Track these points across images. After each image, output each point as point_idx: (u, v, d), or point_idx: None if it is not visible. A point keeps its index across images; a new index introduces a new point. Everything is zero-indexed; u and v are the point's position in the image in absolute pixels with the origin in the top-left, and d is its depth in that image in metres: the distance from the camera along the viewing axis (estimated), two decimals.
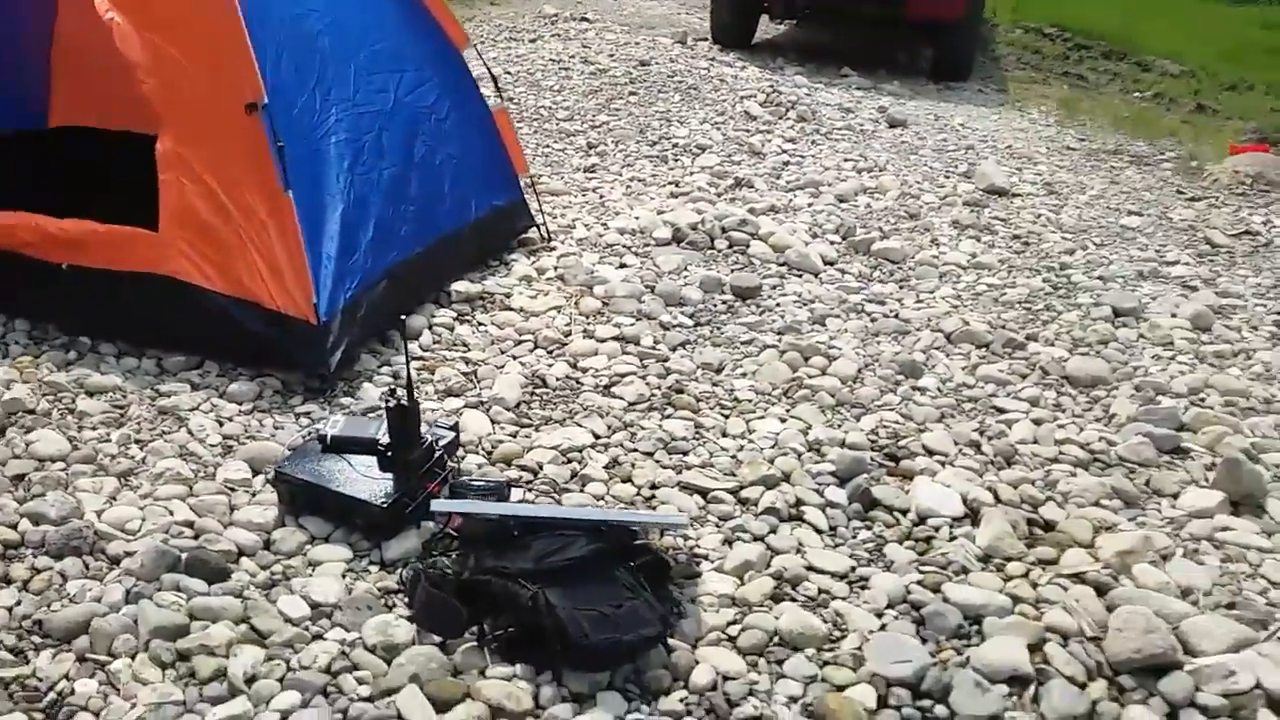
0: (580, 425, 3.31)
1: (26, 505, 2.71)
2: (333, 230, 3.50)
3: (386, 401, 2.66)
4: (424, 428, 2.82)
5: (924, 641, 2.51)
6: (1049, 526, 2.99)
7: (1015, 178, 6.21)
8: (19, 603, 2.43)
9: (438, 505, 2.63)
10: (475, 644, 2.37)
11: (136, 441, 3.07)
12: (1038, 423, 3.51)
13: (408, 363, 2.85)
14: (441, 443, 2.86)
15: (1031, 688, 2.39)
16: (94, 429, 3.12)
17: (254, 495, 2.86)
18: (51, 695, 2.19)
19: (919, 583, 2.70)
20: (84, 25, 4.69)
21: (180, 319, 3.48)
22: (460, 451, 3.08)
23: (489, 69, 4.67)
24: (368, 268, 3.60)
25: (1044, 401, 3.66)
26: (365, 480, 2.72)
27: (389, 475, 2.72)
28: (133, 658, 2.29)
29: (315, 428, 3.04)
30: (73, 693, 2.20)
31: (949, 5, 8.31)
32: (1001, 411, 3.59)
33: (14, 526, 2.64)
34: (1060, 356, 3.96)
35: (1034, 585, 2.73)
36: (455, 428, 3.04)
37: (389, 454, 2.70)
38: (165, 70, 3.43)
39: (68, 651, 2.30)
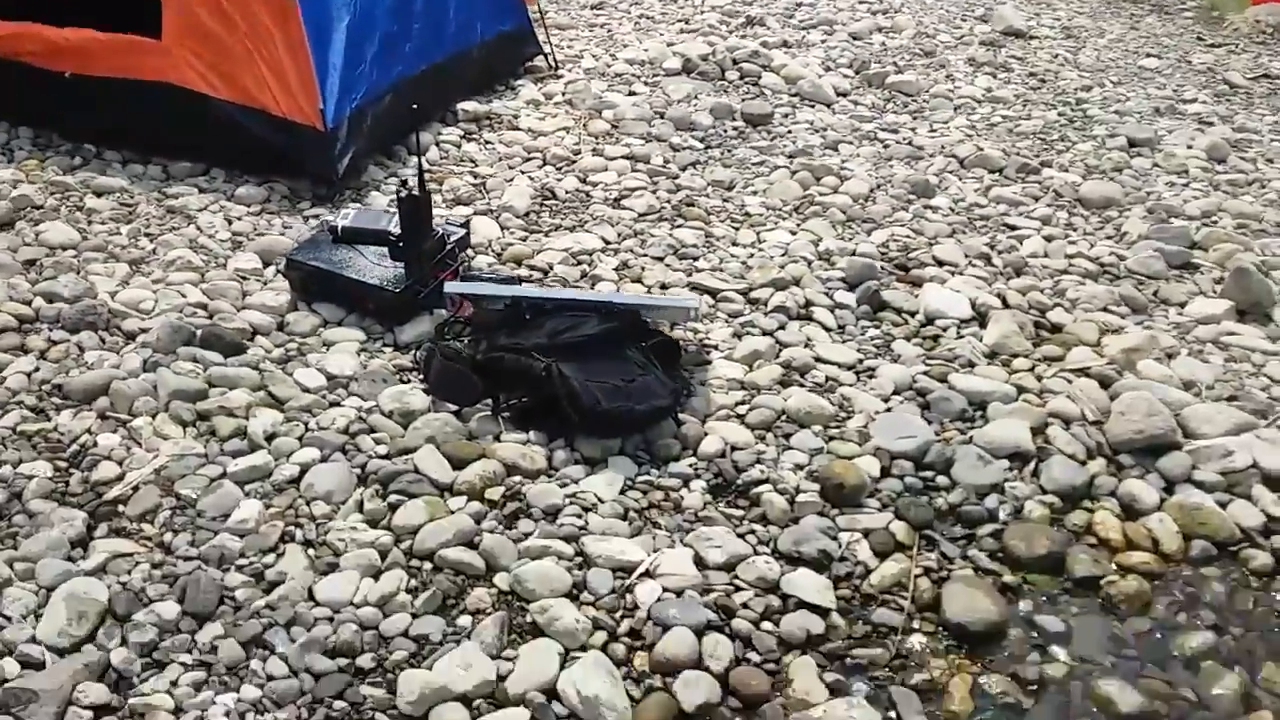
0: (590, 232, 3.30)
1: (39, 285, 2.73)
2: (338, 42, 3.44)
3: (398, 192, 2.65)
4: (435, 222, 2.81)
5: (929, 423, 2.55)
6: (1056, 329, 3.00)
7: (1033, 21, 6.06)
8: (37, 369, 2.47)
9: (450, 287, 2.64)
10: (489, 413, 2.41)
11: (146, 234, 3.08)
12: (1049, 239, 3.50)
13: (419, 155, 2.84)
14: (453, 237, 2.86)
15: (1032, 464, 2.44)
16: (103, 223, 3.12)
17: (265, 284, 2.88)
18: (75, 447, 2.24)
19: (925, 373, 2.73)
20: None
21: (186, 127, 3.45)
22: (470, 251, 3.08)
23: None
24: (374, 80, 3.55)
25: (1056, 220, 3.65)
26: (377, 268, 2.74)
27: (400, 264, 2.73)
28: (153, 417, 2.34)
29: (326, 219, 3.04)
30: (95, 445, 2.25)
31: None
32: (1013, 228, 3.57)
33: (28, 303, 2.67)
34: (1074, 181, 3.92)
35: (1039, 378, 2.76)
36: (466, 224, 3.03)
37: (400, 243, 2.70)
38: None
39: (89, 410, 2.35)
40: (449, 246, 2.79)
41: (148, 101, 3.43)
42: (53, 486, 2.15)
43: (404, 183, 2.64)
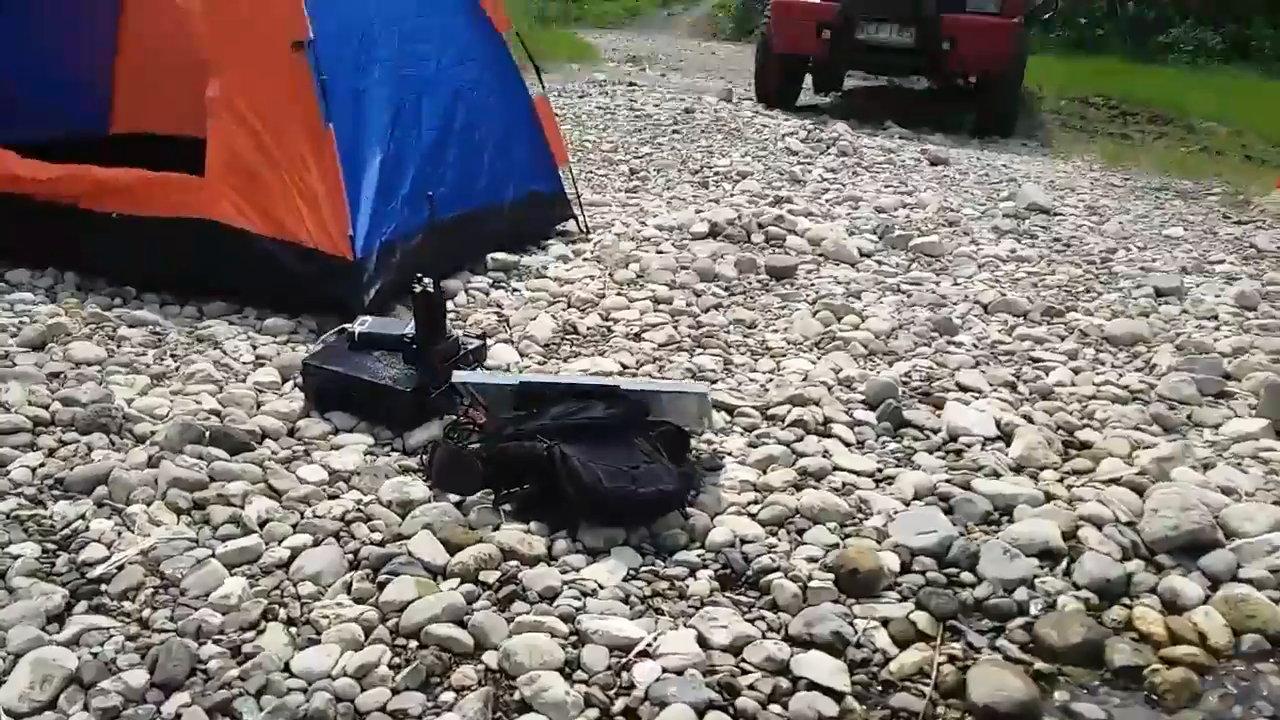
0: (608, 359, 3.30)
1: (60, 393, 2.76)
2: (371, 177, 3.58)
3: (412, 288, 2.68)
4: (450, 327, 2.83)
5: (953, 524, 2.43)
6: (1085, 445, 2.91)
7: (1057, 201, 6.19)
8: (43, 464, 2.45)
9: (459, 376, 2.63)
10: (490, 504, 2.35)
11: (172, 355, 3.13)
12: (1076, 370, 3.44)
13: (424, 250, 2.86)
14: (469, 346, 2.87)
15: (1063, 561, 2.30)
16: (132, 347, 3.18)
17: (281, 395, 2.88)
18: (66, 531, 2.20)
19: (947, 480, 2.63)
20: (148, 30, 4.99)
21: (222, 261, 3.55)
22: (488, 362, 3.09)
23: (530, 57, 4.78)
24: (405, 217, 3.66)
25: (1083, 355, 3.60)
26: (390, 370, 2.74)
27: (414, 367, 2.73)
28: (149, 504, 2.29)
29: (344, 326, 3.06)
30: (87, 529, 2.20)
31: (993, 53, 8.41)
32: (1038, 361, 3.52)
33: (46, 407, 2.69)
34: (1099, 323, 3.89)
35: (1068, 488, 2.65)
36: (483, 338, 3.05)
37: (414, 345, 2.71)
38: (219, 15, 3.58)
39: (86, 499, 2.31)
40: (463, 353, 2.80)
41: (188, 237, 3.55)
42: (38, 566, 2.09)
43: (419, 279, 2.67)
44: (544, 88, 4.89)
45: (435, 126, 3.99)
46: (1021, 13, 8.76)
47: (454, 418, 2.63)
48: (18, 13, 4.42)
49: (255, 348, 3.23)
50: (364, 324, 2.84)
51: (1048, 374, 3.40)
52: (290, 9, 3.46)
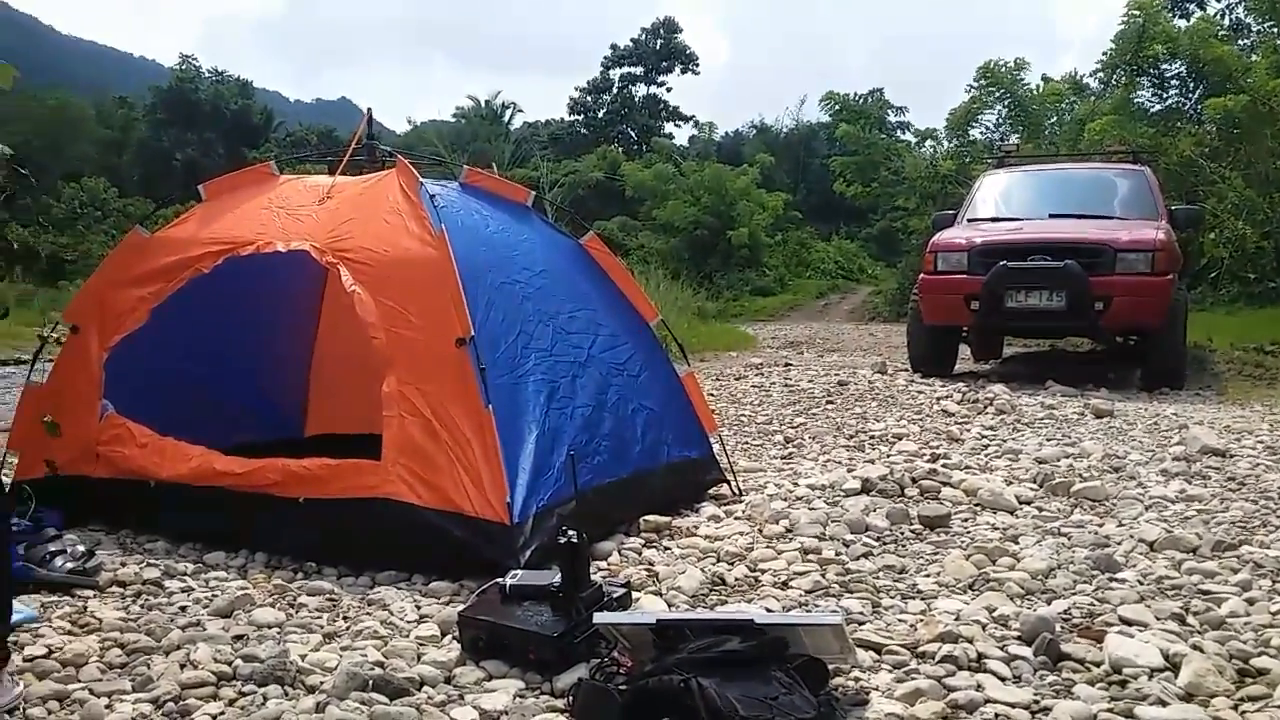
0: (754, 605, 3.34)
1: (242, 650, 2.99)
2: (529, 449, 3.87)
3: (559, 538, 2.85)
4: (597, 577, 2.96)
5: None
6: (1261, 673, 2.73)
7: (1233, 444, 5.98)
8: (223, 713, 2.64)
9: (600, 618, 2.72)
10: None
11: (344, 618, 3.34)
12: (1251, 601, 3.27)
13: (575, 498, 3.04)
14: (614, 594, 2.99)
15: None
16: (309, 612, 3.42)
17: (441, 647, 3.03)
18: None
19: (1109, 710, 2.52)
20: (339, 342, 5.63)
21: (393, 533, 3.83)
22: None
23: (677, 340, 5.13)
24: (560, 485, 3.90)
25: (1258, 586, 3.42)
26: (539, 618, 2.86)
27: (560, 614, 2.85)
28: None
29: (497, 579, 3.22)
30: None
31: (1148, 311, 8.41)
32: (1209, 594, 3.36)
33: (229, 664, 2.91)
34: (1277, 554, 3.70)
35: (1243, 715, 2.49)
36: (627, 584, 3.16)
37: (561, 592, 2.85)
38: (393, 324, 4.04)
39: None
40: (608, 599, 2.91)
41: (365, 515, 3.87)
42: None
43: (564, 530, 2.84)
44: (689, 365, 5.19)
45: (589, 402, 4.29)
46: (1175, 270, 8.79)
47: (599, 660, 2.71)
48: (224, 334, 5.09)
49: (419, 607, 3.42)
50: (515, 577, 3.01)
51: (1219, 605, 3.24)
52: (455, 314, 3.90)
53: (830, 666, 2.64)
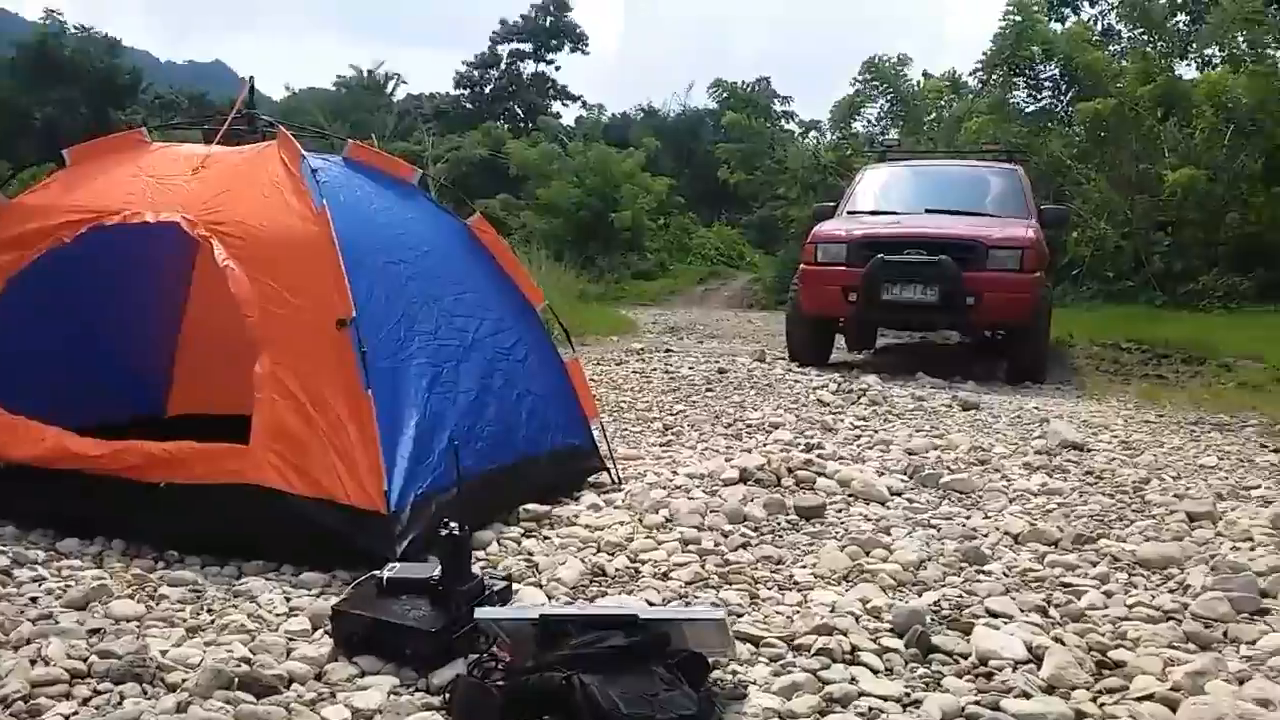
0: (635, 598, 3.34)
1: (98, 646, 2.84)
2: (409, 435, 3.77)
3: (440, 530, 2.79)
4: (477, 569, 2.91)
5: None
6: (1118, 665, 2.86)
7: (1091, 438, 6.25)
8: (75, 713, 2.51)
9: (481, 612, 2.68)
10: None
11: (209, 611, 3.22)
12: (1108, 594, 3.42)
13: (459, 484, 2.99)
14: (494, 588, 2.94)
15: None
16: (171, 604, 3.27)
17: (312, 642, 2.94)
18: None
19: (975, 702, 2.59)
20: (208, 320, 5.40)
21: (262, 523, 3.70)
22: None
23: (562, 325, 5.09)
24: (440, 472, 3.82)
25: (1114, 579, 3.57)
26: (416, 613, 2.80)
27: (439, 609, 2.79)
28: None
29: (373, 573, 3.15)
30: None
31: (1016, 308, 8.70)
32: (1069, 586, 3.50)
33: (84, 660, 2.76)
34: (1131, 549, 3.88)
35: (1101, 705, 2.60)
36: (508, 578, 3.12)
37: (440, 586, 2.79)
38: (269, 302, 3.88)
39: None
40: (488, 593, 2.87)
41: (230, 503, 3.72)
42: None
43: (445, 522, 2.78)
44: (574, 350, 5.16)
45: (472, 388, 4.21)
46: (1042, 268, 9.11)
47: (477, 656, 2.67)
48: (85, 307, 4.82)
49: (289, 599, 3.31)
50: (393, 569, 2.93)
51: (1079, 598, 3.37)
52: (336, 295, 3.77)
53: (710, 660, 2.65)
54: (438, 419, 3.95)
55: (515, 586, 3.40)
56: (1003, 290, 8.64)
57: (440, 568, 2.84)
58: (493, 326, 4.56)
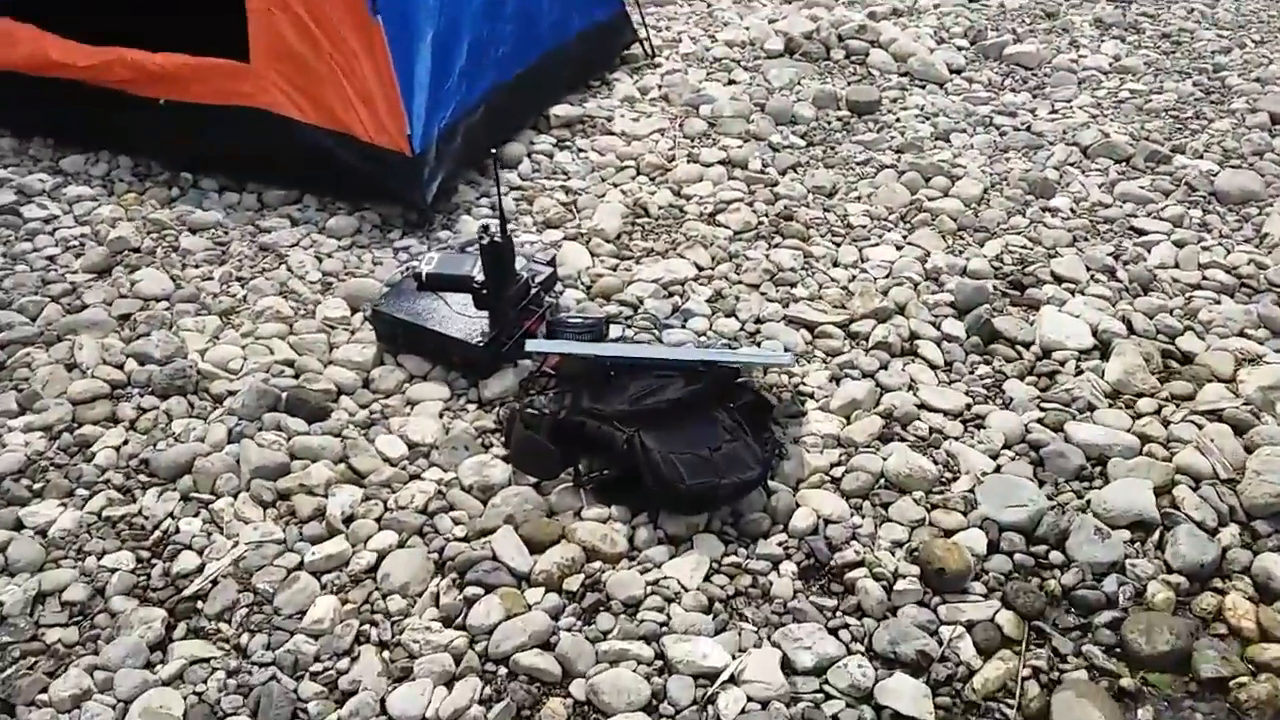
0: (683, 257, 3.17)
1: (132, 345, 2.75)
2: (425, 56, 3.35)
3: (480, 239, 2.56)
4: (520, 263, 2.72)
5: (1041, 485, 2.37)
6: (1186, 359, 2.76)
7: None
8: (126, 442, 2.48)
9: (532, 345, 2.56)
10: (571, 485, 2.33)
11: (238, 279, 3.07)
12: (1180, 244, 3.23)
13: (499, 199, 2.75)
14: (538, 279, 2.77)
15: (1156, 533, 2.25)
16: (196, 267, 3.12)
17: (353, 333, 2.84)
18: (157, 534, 2.25)
19: (1039, 421, 2.54)
20: None
21: (278, 153, 3.42)
22: (559, 286, 2.99)
23: None
24: (463, 93, 3.45)
25: (1188, 221, 3.36)
26: (461, 318, 2.66)
27: (485, 313, 2.65)
28: (235, 497, 2.32)
29: (411, 264, 2.98)
30: (177, 531, 2.25)
31: None
32: (1141, 233, 3.30)
33: (120, 367, 2.69)
34: (1209, 170, 3.60)
35: (1166, 423, 2.54)
36: (553, 262, 2.94)
37: (484, 291, 2.62)
38: None
39: (173, 491, 2.34)
40: (534, 291, 2.70)
41: (240, 128, 3.42)
42: (135, 580, 2.15)
43: (485, 229, 2.54)
44: None
45: None
46: None
47: (528, 380, 2.59)
48: None
49: (320, 260, 3.15)
50: (431, 263, 2.72)
51: (1149, 251, 3.19)
52: None
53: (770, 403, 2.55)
54: (454, 29, 3.49)
55: (555, 242, 3.22)
56: None
57: (482, 273, 2.63)
58: None
